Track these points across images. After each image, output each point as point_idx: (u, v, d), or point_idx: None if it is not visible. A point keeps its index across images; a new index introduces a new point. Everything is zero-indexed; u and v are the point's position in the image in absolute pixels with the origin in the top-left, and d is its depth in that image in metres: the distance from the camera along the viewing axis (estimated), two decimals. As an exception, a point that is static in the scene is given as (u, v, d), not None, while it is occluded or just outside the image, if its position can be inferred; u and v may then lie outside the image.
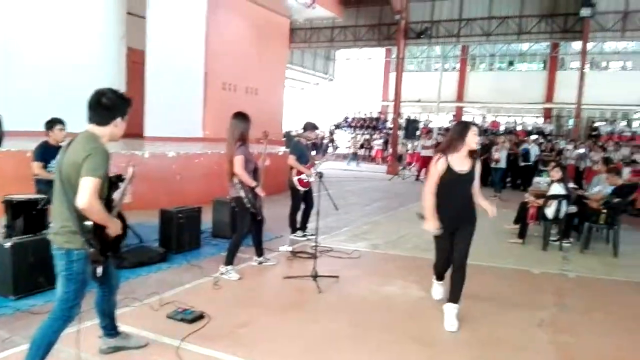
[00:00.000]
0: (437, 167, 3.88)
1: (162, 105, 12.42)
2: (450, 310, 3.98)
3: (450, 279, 4.02)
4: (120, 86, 13.35)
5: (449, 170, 3.85)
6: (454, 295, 3.98)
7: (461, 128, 3.93)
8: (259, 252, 5.50)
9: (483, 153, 14.63)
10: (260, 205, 5.15)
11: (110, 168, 2.76)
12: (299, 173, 6.58)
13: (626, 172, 11.02)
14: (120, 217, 4.87)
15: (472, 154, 3.90)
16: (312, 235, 6.41)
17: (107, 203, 2.82)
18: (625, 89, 22.25)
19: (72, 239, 2.67)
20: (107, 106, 2.77)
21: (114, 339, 3.23)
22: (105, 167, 2.67)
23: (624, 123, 21.81)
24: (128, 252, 5.27)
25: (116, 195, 2.99)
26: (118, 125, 2.82)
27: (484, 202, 3.99)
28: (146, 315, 3.88)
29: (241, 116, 5.03)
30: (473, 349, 3.64)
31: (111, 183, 2.93)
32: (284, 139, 16.48)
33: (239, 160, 4.85)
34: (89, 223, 2.63)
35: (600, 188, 7.31)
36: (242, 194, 4.93)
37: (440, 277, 4.45)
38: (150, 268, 5.10)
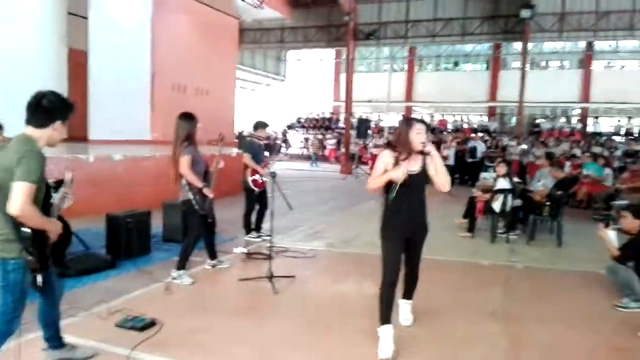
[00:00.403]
0: (384, 159, 3.44)
1: (107, 108, 11.98)
2: (405, 305, 3.96)
3: (405, 277, 3.78)
4: (62, 88, 12.80)
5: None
6: (408, 293, 3.92)
7: (405, 125, 3.48)
8: (212, 255, 5.39)
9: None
10: (211, 207, 5.03)
11: (46, 172, 2.61)
12: (254, 173, 6.51)
13: (567, 166, 11.56)
14: (64, 223, 4.64)
15: (422, 152, 3.42)
16: (267, 235, 6.33)
17: (46, 208, 2.66)
18: (564, 87, 23.43)
19: (8, 248, 2.51)
20: (46, 108, 2.63)
21: (58, 351, 3.06)
22: (40, 172, 2.51)
23: (564, 119, 22.90)
24: (72, 260, 5.04)
25: (55, 198, 2.83)
26: (57, 129, 2.68)
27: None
28: (93, 325, 3.71)
29: (187, 116, 4.91)
30: (428, 342, 3.70)
31: (49, 188, 2.78)
32: (236, 140, 16.26)
33: (185, 161, 4.72)
34: (26, 230, 2.48)
35: (544, 182, 7.63)
36: (190, 196, 4.81)
37: (388, 315, 3.44)
38: (97, 276, 4.89)
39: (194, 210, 4.84)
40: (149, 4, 14.04)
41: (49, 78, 12.40)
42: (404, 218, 3.48)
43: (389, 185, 3.40)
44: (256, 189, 6.55)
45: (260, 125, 6.89)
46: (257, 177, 6.51)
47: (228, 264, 5.49)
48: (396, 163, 3.38)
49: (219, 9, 16.24)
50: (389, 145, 3.51)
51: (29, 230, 2.48)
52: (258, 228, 6.78)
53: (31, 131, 2.60)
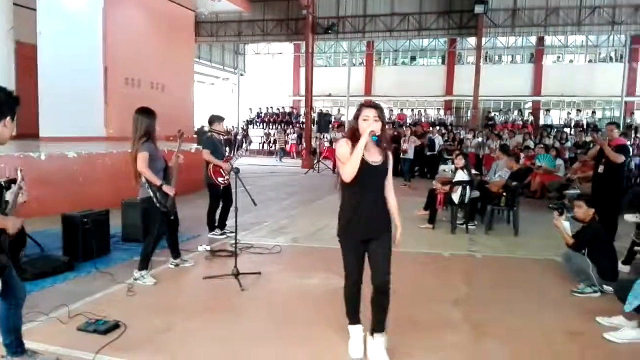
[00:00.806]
0: (340, 150, 3.04)
1: (59, 103, 11.52)
2: (379, 343, 3.22)
3: (371, 303, 3.20)
4: (9, 83, 12.21)
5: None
6: (379, 323, 3.21)
7: (356, 110, 3.13)
8: (175, 254, 5.29)
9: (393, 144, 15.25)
10: (173, 205, 4.93)
11: None
12: (216, 169, 6.39)
13: (521, 157, 11.97)
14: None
15: (383, 144, 3.11)
16: (231, 232, 6.31)
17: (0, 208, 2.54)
18: (516, 81, 24.24)
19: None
20: (7, 105, 2.51)
21: (19, 358, 2.94)
22: None
23: (516, 112, 23.65)
24: (28, 263, 4.84)
25: (9, 196, 2.71)
26: (7, 126, 2.56)
27: (395, 212, 3.21)
28: (54, 330, 3.58)
29: (145, 111, 4.78)
30: (393, 333, 3.75)
31: (2, 188, 2.65)
32: (195, 135, 15.97)
33: (142, 157, 4.59)
34: None
35: (500, 173, 7.87)
36: (150, 193, 4.69)
37: (356, 315, 3.31)
38: (55, 278, 4.72)
39: (155, 208, 4.72)
40: (100, -5, 13.55)
41: (-5, 72, 11.83)
42: (363, 216, 3.07)
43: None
44: (221, 183, 6.43)
45: (215, 119, 6.76)
46: (222, 172, 6.39)
47: (192, 263, 5.41)
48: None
49: (173, 1, 15.87)
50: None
51: None
52: (222, 225, 6.69)
53: None
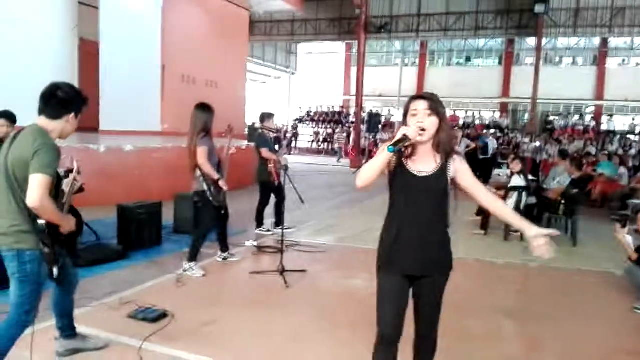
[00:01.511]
0: (381, 151, 2.22)
1: (118, 98, 11.96)
2: None
3: (413, 350, 2.54)
4: (73, 78, 12.81)
5: (400, 168, 2.28)
6: None
7: (405, 105, 2.36)
8: (224, 248, 5.35)
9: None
10: (224, 199, 5.00)
11: (60, 164, 2.57)
12: (275, 164, 6.40)
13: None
14: (76, 213, 4.62)
15: (441, 148, 2.26)
16: (288, 228, 6.45)
17: (57, 198, 2.62)
18: (578, 84, 23.15)
19: (24, 239, 2.47)
20: (62, 100, 2.60)
21: (71, 341, 3.04)
22: (56, 164, 2.49)
23: (577, 117, 22.63)
24: (84, 250, 5.04)
25: (65, 188, 2.79)
26: (70, 122, 2.64)
27: (508, 212, 2.45)
28: (105, 316, 3.69)
29: (204, 107, 4.87)
30: (443, 342, 3.62)
31: (61, 178, 2.74)
32: (246, 132, 16.19)
33: (202, 152, 4.68)
34: (41, 222, 2.45)
35: (559, 180, 7.51)
36: (205, 187, 4.76)
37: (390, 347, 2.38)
38: (108, 266, 4.88)
39: (208, 202, 4.80)
40: (160, -6, 13.99)
41: (60, 68, 12.42)
42: (409, 246, 2.28)
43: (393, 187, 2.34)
44: (276, 182, 6.45)
45: (265, 117, 6.79)
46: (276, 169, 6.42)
47: (239, 257, 5.45)
48: (400, 162, 2.28)
49: (230, 1, 16.17)
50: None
51: (43, 222, 2.45)
52: (280, 222, 6.59)
53: (44, 122, 2.56)
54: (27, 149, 2.42)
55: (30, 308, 2.56)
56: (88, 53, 12.83)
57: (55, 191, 2.63)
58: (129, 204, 5.63)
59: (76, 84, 13.34)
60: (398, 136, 2.15)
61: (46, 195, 2.39)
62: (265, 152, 6.48)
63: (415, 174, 2.27)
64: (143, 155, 8.55)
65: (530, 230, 2.21)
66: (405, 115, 2.30)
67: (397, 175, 2.28)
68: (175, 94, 13.81)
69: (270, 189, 6.54)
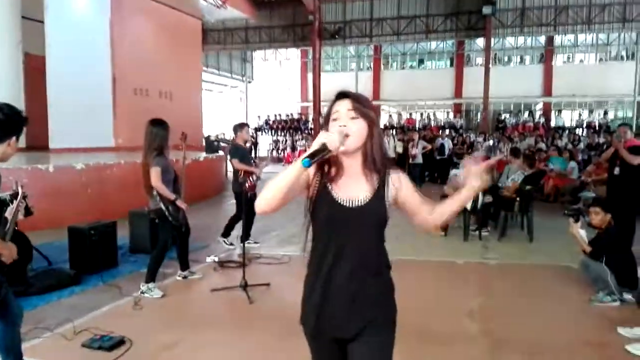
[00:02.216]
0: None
1: (68, 114, 11.57)
2: None
3: None
4: (19, 94, 12.28)
5: (323, 196, 1.74)
6: None
7: (328, 108, 1.80)
8: (184, 266, 5.21)
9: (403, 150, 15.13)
10: (184, 216, 4.86)
11: (1, 189, 2.43)
12: (247, 174, 6.27)
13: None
14: (23, 238, 4.39)
15: (371, 160, 1.73)
16: (255, 243, 6.62)
17: None
18: (526, 82, 23.95)
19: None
20: (1, 123, 2.45)
21: (19, 379, 2.86)
22: None
23: (527, 114, 23.41)
24: (35, 277, 4.79)
25: (8, 214, 2.64)
26: (11, 145, 2.51)
27: (451, 204, 1.83)
28: (59, 346, 3.51)
29: (159, 123, 4.67)
30: (407, 343, 3.63)
31: (4, 204, 2.59)
32: (204, 144, 15.95)
33: (155, 173, 4.51)
34: None
35: (513, 177, 7.70)
36: (162, 206, 4.61)
37: None
38: (61, 292, 4.65)
39: (166, 220, 4.65)
40: (107, 5, 13.63)
41: (5, 85, 11.91)
42: (334, 298, 1.75)
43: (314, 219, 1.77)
44: (249, 193, 6.31)
45: (239, 127, 6.69)
46: (250, 179, 6.30)
47: (200, 275, 5.31)
48: (323, 186, 1.74)
49: (180, 10, 15.91)
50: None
51: None
52: (246, 236, 6.32)
53: None
54: None
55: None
56: (34, 68, 12.35)
57: None
58: (81, 225, 5.40)
59: (22, 101, 12.82)
60: (314, 145, 1.59)
61: None
62: (235, 162, 6.38)
63: (343, 203, 1.70)
64: (95, 173, 8.26)
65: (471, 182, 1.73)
66: (326, 119, 1.76)
67: (319, 204, 1.72)
68: (127, 107, 13.47)
69: (244, 200, 6.40)
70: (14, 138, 2.51)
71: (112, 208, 7.34)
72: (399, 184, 1.77)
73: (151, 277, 4.66)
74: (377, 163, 1.73)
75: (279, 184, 1.61)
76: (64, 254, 5.48)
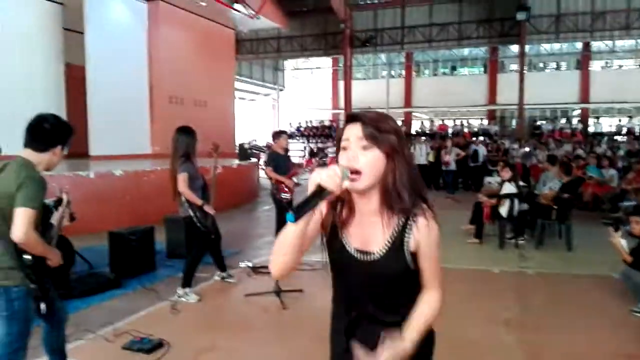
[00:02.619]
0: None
1: (107, 122, 11.95)
2: None
3: None
4: (60, 104, 12.78)
5: (334, 238, 1.49)
6: None
7: (338, 132, 1.45)
8: (222, 267, 5.32)
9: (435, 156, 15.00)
10: (212, 222, 4.92)
11: (46, 196, 2.53)
12: (279, 183, 6.42)
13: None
14: (66, 243, 4.55)
15: (393, 199, 1.38)
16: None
17: (45, 232, 2.58)
18: (563, 88, 23.39)
19: (10, 275, 2.42)
20: (47, 132, 2.55)
21: (65, 379, 2.96)
22: (42, 197, 2.44)
23: (564, 120, 22.85)
24: (77, 280, 4.95)
25: (53, 221, 2.75)
26: (57, 154, 2.60)
27: (417, 323, 1.49)
28: (100, 348, 3.62)
29: (186, 130, 4.77)
30: (442, 353, 3.58)
31: (49, 210, 2.70)
32: (237, 151, 16.18)
33: (182, 179, 4.59)
34: (27, 257, 2.40)
35: (550, 185, 7.54)
36: (190, 212, 4.70)
37: None
38: (102, 296, 4.80)
39: (196, 227, 4.74)
40: (144, 16, 14.06)
41: (47, 95, 12.42)
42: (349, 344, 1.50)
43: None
44: (286, 196, 6.44)
45: (276, 135, 6.81)
46: (285, 188, 6.44)
47: (234, 280, 5.39)
48: (334, 228, 1.48)
49: (215, 21, 16.26)
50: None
51: (30, 257, 2.40)
52: None
53: (30, 155, 2.52)
54: (12, 182, 2.38)
55: (19, 347, 2.50)
56: (75, 78, 12.81)
57: (43, 224, 2.58)
58: (121, 231, 5.57)
59: (64, 110, 13.27)
60: (309, 187, 1.28)
61: (31, 229, 2.35)
62: (269, 171, 6.52)
63: (353, 253, 1.43)
64: (134, 179, 8.49)
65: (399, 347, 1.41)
66: (337, 147, 1.42)
67: (331, 248, 1.46)
68: (164, 115, 13.82)
69: (282, 205, 6.52)
70: (59, 147, 2.60)
71: (149, 213, 7.53)
72: (424, 237, 1.41)
73: (187, 282, 4.75)
74: (403, 201, 1.37)
75: (281, 249, 1.37)
76: (104, 258, 5.65)
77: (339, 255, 1.45)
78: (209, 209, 4.77)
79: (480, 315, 4.41)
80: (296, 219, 1.26)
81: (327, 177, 1.25)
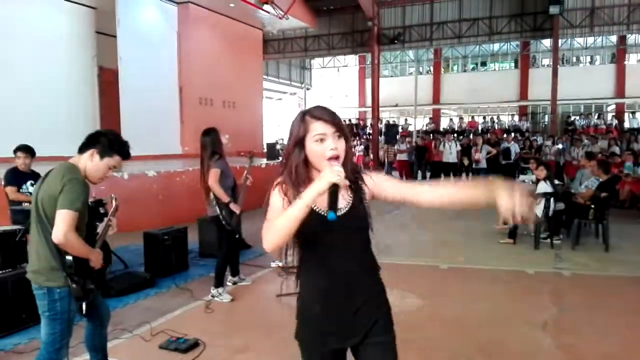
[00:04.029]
0: (272, 201, 1.77)
1: (139, 123, 12.18)
2: None
3: None
4: (94, 105, 13.11)
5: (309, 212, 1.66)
6: None
7: (295, 127, 1.74)
8: (234, 271, 5.28)
9: (463, 154, 14.78)
10: (238, 223, 4.93)
11: (88, 199, 2.59)
12: None
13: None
14: (104, 243, 4.64)
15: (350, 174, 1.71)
16: None
17: (89, 234, 2.64)
18: (596, 83, 22.74)
19: (53, 276, 2.49)
20: (102, 144, 2.64)
21: (105, 377, 3.03)
22: (84, 199, 2.50)
23: (597, 116, 22.21)
24: (113, 280, 5.07)
25: (100, 227, 2.82)
26: (93, 161, 2.66)
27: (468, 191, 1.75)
28: (138, 347, 3.69)
29: (207, 132, 4.88)
30: (477, 356, 3.54)
31: (92, 212, 2.76)
32: (265, 150, 16.29)
33: (214, 173, 4.67)
34: (69, 258, 2.46)
35: (587, 183, 7.33)
36: (217, 211, 4.75)
37: None
38: (137, 295, 4.90)
39: (223, 227, 4.79)
40: (174, 19, 14.28)
41: (81, 97, 12.74)
42: (334, 312, 1.77)
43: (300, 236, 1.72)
44: None
45: None
46: None
47: (249, 281, 5.37)
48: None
49: (243, 22, 16.39)
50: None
51: (71, 258, 2.47)
52: None
53: (75, 159, 2.61)
54: (56, 184, 2.45)
55: (60, 346, 2.57)
56: (107, 81, 13.12)
57: (88, 226, 2.65)
58: (155, 231, 5.67)
59: (97, 112, 13.49)
60: (321, 186, 1.55)
61: (71, 231, 2.41)
62: None
63: (324, 213, 1.63)
64: (166, 180, 8.64)
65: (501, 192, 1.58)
66: (300, 140, 1.70)
67: (305, 220, 1.60)
68: (193, 116, 14.02)
69: None
70: (115, 157, 2.67)
71: (181, 213, 7.66)
72: (373, 181, 1.81)
73: (220, 282, 4.81)
74: (353, 170, 1.77)
75: (288, 228, 1.60)
76: (139, 258, 5.77)
77: (315, 222, 1.66)
78: (235, 207, 4.79)
79: (516, 318, 4.32)
80: (336, 215, 1.59)
81: (337, 176, 1.56)
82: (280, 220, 1.62)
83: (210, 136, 4.84)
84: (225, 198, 4.73)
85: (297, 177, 1.71)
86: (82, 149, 2.63)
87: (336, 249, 1.74)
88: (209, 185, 4.69)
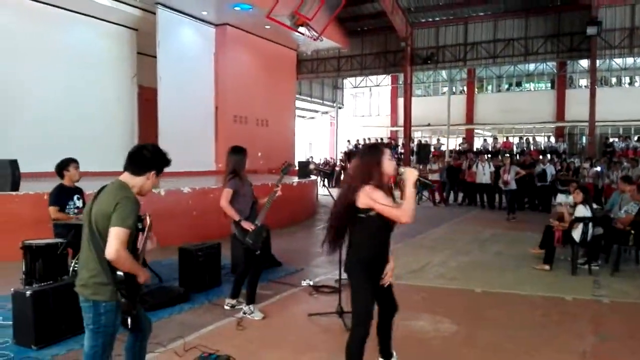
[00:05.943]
0: (375, 195, 3.00)
1: (175, 140, 12.51)
2: None
3: (380, 334, 3.44)
4: (133, 122, 13.54)
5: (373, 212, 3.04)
6: (387, 348, 3.50)
7: (372, 154, 3.13)
8: (234, 294, 5.02)
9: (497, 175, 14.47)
10: (256, 240, 4.79)
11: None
12: None
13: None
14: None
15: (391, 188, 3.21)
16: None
17: (134, 251, 2.74)
18: (636, 104, 22.10)
19: (101, 290, 2.59)
20: (145, 158, 2.76)
21: (141, 389, 3.10)
22: (135, 217, 2.61)
23: (637, 138, 21.56)
24: (148, 294, 5.16)
25: (140, 242, 2.92)
26: (150, 179, 2.79)
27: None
28: (171, 362, 3.75)
29: (234, 150, 4.98)
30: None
31: (139, 231, 2.86)
32: (297, 168, 16.43)
33: (225, 193, 4.76)
34: (120, 274, 2.56)
35: (626, 208, 7.11)
36: (233, 229, 4.83)
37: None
38: (171, 309, 4.98)
39: (241, 244, 4.84)
40: (212, 40, 14.71)
41: (122, 115, 13.20)
42: (377, 253, 3.14)
43: (355, 219, 3.05)
44: None
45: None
46: None
47: (258, 316, 4.83)
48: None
49: (278, 43, 16.73)
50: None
51: (122, 274, 2.56)
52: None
53: (126, 177, 2.73)
54: (109, 202, 2.57)
55: (102, 359, 2.65)
56: (147, 99, 13.57)
57: (133, 243, 2.75)
58: (190, 246, 5.78)
59: (136, 129, 13.95)
60: (412, 178, 3.04)
61: (122, 248, 2.51)
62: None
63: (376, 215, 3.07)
64: (200, 196, 8.82)
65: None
66: (378, 162, 3.06)
67: (376, 215, 2.99)
68: (228, 133, 14.31)
69: None
70: (153, 172, 2.78)
71: (215, 229, 7.75)
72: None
73: (251, 299, 4.84)
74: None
75: (410, 197, 3.01)
76: (173, 272, 5.88)
77: (379, 218, 3.01)
78: (247, 225, 4.77)
79: (553, 346, 4.20)
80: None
81: (416, 174, 3.08)
82: (410, 201, 3.00)
83: (237, 155, 4.93)
84: (235, 216, 4.78)
85: (382, 178, 3.06)
86: (135, 169, 2.73)
87: (386, 230, 3.15)
88: (220, 204, 4.78)
